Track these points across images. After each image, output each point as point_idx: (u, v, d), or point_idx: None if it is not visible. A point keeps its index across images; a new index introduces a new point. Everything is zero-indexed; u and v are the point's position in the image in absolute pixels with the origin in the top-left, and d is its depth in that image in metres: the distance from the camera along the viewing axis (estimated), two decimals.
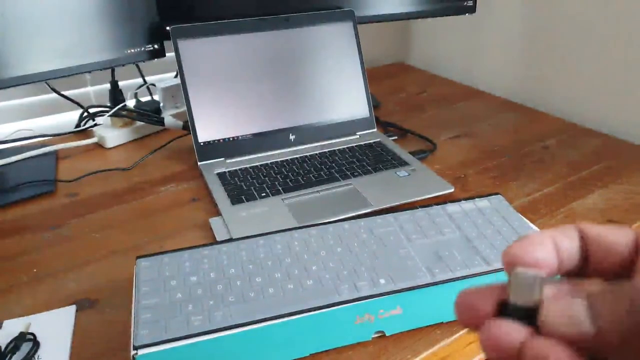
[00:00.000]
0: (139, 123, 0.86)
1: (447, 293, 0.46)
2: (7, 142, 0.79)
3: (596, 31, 0.87)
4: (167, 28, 0.73)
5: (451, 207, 0.56)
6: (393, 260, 0.48)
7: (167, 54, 0.78)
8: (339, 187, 0.67)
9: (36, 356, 0.44)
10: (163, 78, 0.98)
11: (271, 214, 0.61)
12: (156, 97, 0.94)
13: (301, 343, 0.43)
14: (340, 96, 0.80)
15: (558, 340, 0.18)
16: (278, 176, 0.69)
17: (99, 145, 0.84)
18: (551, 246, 0.21)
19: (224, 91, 0.74)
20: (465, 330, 0.47)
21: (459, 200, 0.57)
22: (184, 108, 0.74)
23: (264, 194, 0.65)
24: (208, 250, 0.49)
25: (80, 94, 0.94)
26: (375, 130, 0.82)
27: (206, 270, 0.47)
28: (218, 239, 0.58)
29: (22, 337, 0.45)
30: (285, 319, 0.42)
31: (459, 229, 0.53)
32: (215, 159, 0.74)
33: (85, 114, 0.88)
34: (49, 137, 0.84)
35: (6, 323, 0.48)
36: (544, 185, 0.70)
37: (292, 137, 0.77)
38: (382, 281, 0.46)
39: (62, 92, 0.87)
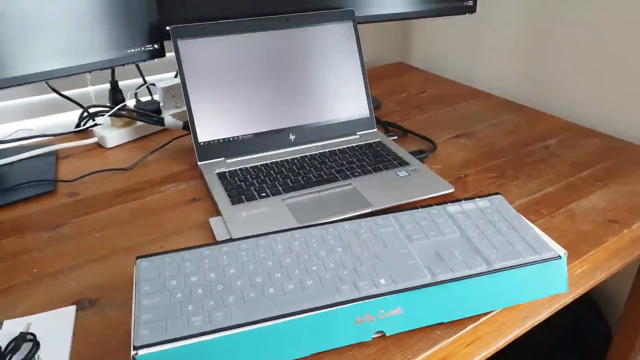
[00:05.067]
0: (139, 123, 0.86)
1: (448, 293, 0.46)
2: (7, 142, 0.79)
3: (596, 31, 0.87)
4: (167, 28, 0.73)
5: (452, 207, 0.56)
6: (394, 260, 0.48)
7: (167, 54, 0.78)
8: (339, 187, 0.67)
9: (36, 356, 0.44)
10: (163, 78, 0.98)
11: (271, 214, 0.61)
12: (156, 97, 0.94)
13: (302, 343, 0.43)
14: (341, 96, 0.80)
15: None
16: (278, 176, 0.69)
17: (99, 145, 0.84)
18: None
19: (224, 91, 0.74)
20: (465, 330, 0.47)
21: (459, 200, 0.57)
22: (184, 108, 0.74)
23: (264, 194, 0.65)
24: (208, 250, 0.49)
25: (81, 93, 0.94)
26: (375, 130, 0.82)
27: (206, 271, 0.47)
28: (218, 239, 0.58)
29: (22, 337, 0.45)
30: (286, 319, 0.42)
31: (459, 229, 0.53)
32: (215, 158, 0.74)
33: (85, 113, 0.88)
34: (49, 137, 0.84)
35: (6, 323, 0.48)
36: (545, 185, 0.70)
37: (292, 136, 0.77)
38: (382, 281, 0.46)
39: (62, 92, 0.87)
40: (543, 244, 0.50)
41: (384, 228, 0.53)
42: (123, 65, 0.75)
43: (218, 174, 0.71)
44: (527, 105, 0.97)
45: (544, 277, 0.49)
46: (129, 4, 0.72)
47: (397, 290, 0.45)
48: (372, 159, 0.73)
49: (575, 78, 0.93)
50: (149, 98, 0.95)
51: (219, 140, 0.74)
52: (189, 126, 0.74)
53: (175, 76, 0.96)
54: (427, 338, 0.46)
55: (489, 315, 0.48)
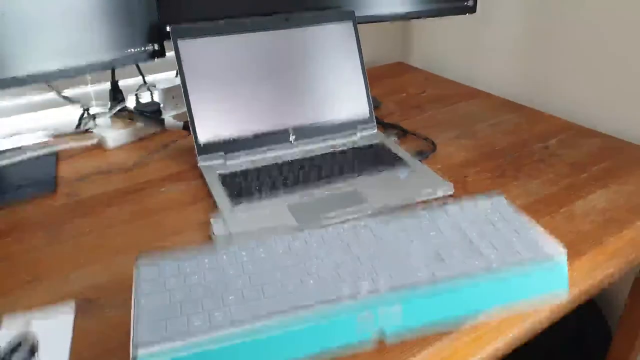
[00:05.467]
0: (139, 123, 0.86)
1: (448, 292, 0.46)
2: (7, 142, 0.79)
3: (596, 31, 0.87)
4: (167, 28, 0.73)
5: (451, 207, 0.56)
6: (393, 260, 0.48)
7: (167, 54, 0.78)
8: (339, 187, 0.67)
9: (35, 356, 0.44)
10: (163, 77, 0.98)
11: (271, 214, 0.61)
12: (156, 98, 0.94)
13: (301, 342, 0.43)
14: (341, 96, 0.80)
15: None
16: (278, 176, 0.69)
17: (99, 146, 0.84)
18: None
19: (224, 91, 0.74)
20: (465, 329, 0.47)
21: (459, 200, 0.57)
22: (184, 108, 0.74)
23: (264, 194, 0.65)
24: (208, 251, 0.49)
25: (81, 94, 0.94)
26: (375, 130, 0.82)
27: (206, 271, 0.47)
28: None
29: (21, 337, 0.45)
30: (286, 318, 0.42)
31: (459, 229, 0.53)
32: (215, 159, 0.74)
33: (86, 114, 0.88)
34: (49, 138, 0.84)
35: (6, 323, 0.47)
36: (545, 185, 0.70)
37: (292, 137, 0.77)
38: (382, 281, 0.46)
39: (63, 92, 0.87)
40: (543, 243, 0.50)
41: (383, 228, 0.53)
42: (123, 65, 0.75)
43: (218, 174, 0.71)
44: (527, 105, 0.97)
45: (543, 276, 0.49)
46: (128, 4, 0.72)
47: (397, 290, 0.45)
48: (372, 159, 0.73)
49: (575, 78, 0.93)
50: (149, 98, 0.95)
51: (219, 140, 0.74)
52: (189, 126, 0.74)
53: (176, 76, 0.96)
54: (427, 337, 0.46)
55: (488, 315, 0.48)
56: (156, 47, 0.76)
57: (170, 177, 0.74)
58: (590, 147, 0.80)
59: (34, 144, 0.83)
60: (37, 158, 0.78)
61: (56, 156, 0.80)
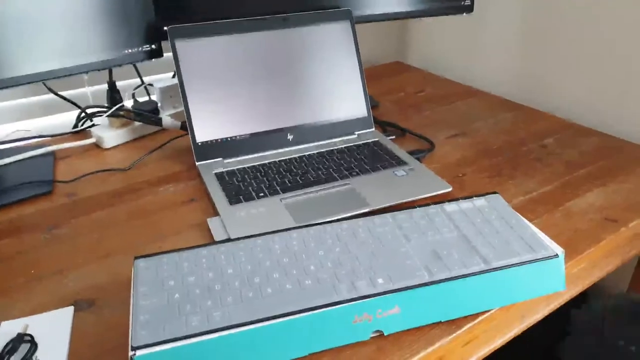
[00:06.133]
0: (136, 123, 0.85)
1: (446, 292, 0.47)
2: (4, 143, 0.79)
3: (595, 29, 0.87)
4: (165, 28, 0.73)
5: (449, 207, 0.56)
6: (391, 259, 0.48)
7: (164, 54, 0.78)
8: (337, 186, 0.67)
9: (34, 357, 0.44)
10: (161, 78, 0.98)
11: (269, 214, 0.61)
12: (154, 98, 0.94)
13: (299, 343, 0.43)
14: (338, 96, 0.80)
15: None
16: (276, 176, 0.69)
17: (96, 146, 0.84)
18: None
19: (221, 91, 0.74)
20: (462, 329, 0.47)
21: (457, 199, 0.57)
22: (182, 108, 0.74)
23: (262, 194, 0.65)
24: (206, 251, 0.49)
25: (78, 94, 0.94)
26: (373, 129, 0.82)
27: (204, 271, 0.47)
28: (216, 239, 0.58)
29: (19, 339, 0.45)
30: (284, 318, 0.42)
31: (457, 228, 0.53)
32: (213, 159, 0.74)
33: (83, 114, 0.87)
34: (47, 138, 0.84)
35: (4, 324, 0.47)
36: (542, 184, 0.70)
37: (290, 136, 0.77)
38: (380, 281, 0.46)
39: (60, 93, 0.87)
40: (540, 242, 0.50)
41: (381, 227, 0.53)
42: (120, 65, 0.75)
43: (216, 174, 0.71)
44: (525, 104, 0.98)
45: (541, 275, 0.49)
46: (126, 5, 0.72)
47: (395, 290, 0.45)
48: (369, 159, 0.73)
49: (573, 77, 0.93)
50: (146, 98, 0.95)
51: (216, 140, 0.74)
52: (186, 126, 0.74)
53: (173, 76, 0.96)
54: (424, 337, 0.46)
55: (486, 314, 0.48)
56: (154, 47, 0.76)
57: (168, 177, 0.74)
58: (588, 146, 0.81)
59: (32, 145, 0.83)
60: (35, 158, 0.77)
61: (53, 156, 0.80)
